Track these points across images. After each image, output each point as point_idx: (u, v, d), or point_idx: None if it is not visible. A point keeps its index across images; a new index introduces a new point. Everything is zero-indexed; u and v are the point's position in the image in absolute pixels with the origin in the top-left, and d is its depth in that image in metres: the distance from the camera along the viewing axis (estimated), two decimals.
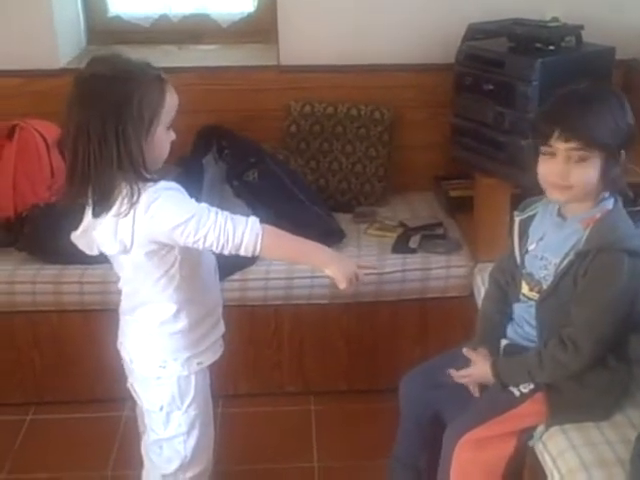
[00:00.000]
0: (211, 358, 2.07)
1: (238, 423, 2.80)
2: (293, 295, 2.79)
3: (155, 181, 1.82)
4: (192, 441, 2.07)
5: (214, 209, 1.85)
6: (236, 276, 2.72)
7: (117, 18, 3.50)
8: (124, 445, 2.66)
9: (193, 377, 2.02)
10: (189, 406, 2.03)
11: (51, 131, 2.98)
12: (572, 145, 1.91)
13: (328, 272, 1.96)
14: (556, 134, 1.92)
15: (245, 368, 2.90)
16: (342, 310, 2.83)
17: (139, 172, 1.78)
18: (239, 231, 1.82)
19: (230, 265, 2.65)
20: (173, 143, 1.89)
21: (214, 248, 1.84)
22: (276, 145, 3.21)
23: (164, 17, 3.49)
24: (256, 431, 2.80)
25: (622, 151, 1.93)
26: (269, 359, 2.90)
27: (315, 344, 2.89)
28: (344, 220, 3.06)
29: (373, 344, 2.91)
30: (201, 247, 1.83)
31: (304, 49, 3.21)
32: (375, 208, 3.17)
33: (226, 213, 1.85)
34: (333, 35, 3.20)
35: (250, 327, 2.84)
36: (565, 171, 1.93)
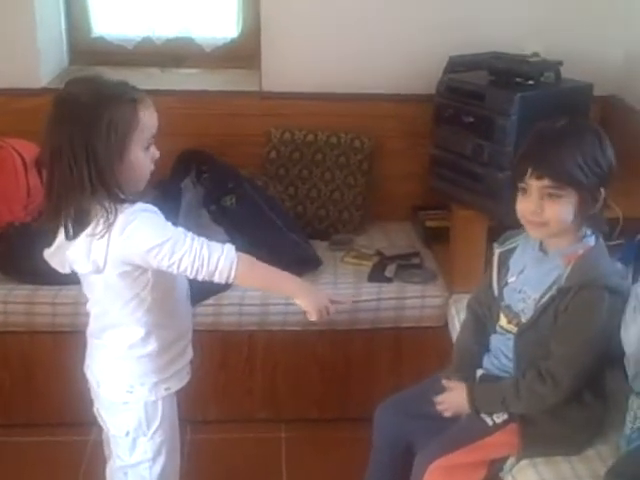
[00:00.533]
0: (178, 384, 2.05)
1: (207, 450, 2.77)
2: (267, 321, 2.78)
3: (132, 202, 1.81)
4: (158, 467, 2.05)
5: (190, 234, 1.84)
6: (210, 301, 2.70)
7: (100, 39, 3.49)
8: (90, 470, 2.62)
9: (160, 402, 2.00)
10: (155, 432, 2.01)
11: (30, 150, 2.97)
12: (545, 183, 1.92)
13: (299, 303, 1.97)
14: (529, 171, 1.93)
15: (215, 394, 2.87)
16: (316, 337, 2.82)
17: (113, 193, 1.77)
18: (214, 257, 1.82)
19: (204, 290, 2.64)
20: (155, 163, 1.89)
21: (188, 273, 1.83)
22: (255, 171, 3.21)
23: (147, 39, 3.49)
24: (225, 458, 2.77)
25: (602, 189, 1.94)
26: (240, 385, 2.88)
27: (288, 371, 2.87)
28: (321, 247, 3.06)
29: (346, 372, 2.89)
30: (175, 271, 1.82)
31: (286, 76, 3.22)
32: (352, 236, 3.17)
33: (202, 239, 1.85)
34: (315, 63, 3.21)
35: (223, 352, 2.82)
36: (539, 208, 1.94)
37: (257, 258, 2.82)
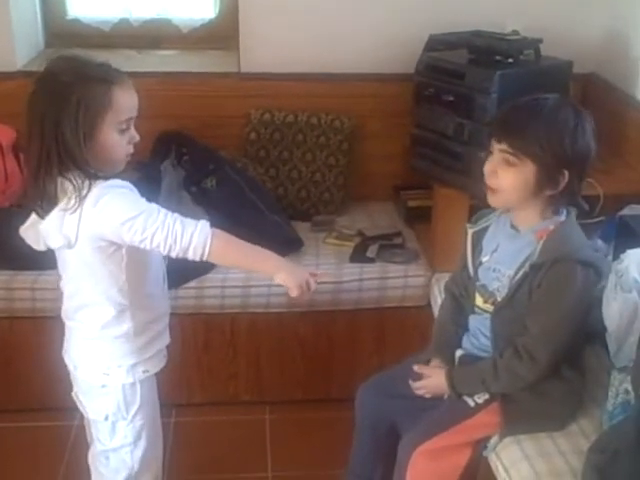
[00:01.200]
0: (156, 366, 2.04)
1: (191, 432, 2.77)
2: (250, 303, 2.77)
3: (106, 178, 1.80)
4: (139, 451, 2.04)
5: (164, 210, 1.82)
6: (192, 284, 2.69)
7: (76, 21, 3.46)
8: (74, 455, 2.61)
9: (139, 385, 1.99)
10: (135, 416, 2.00)
11: (6, 134, 2.94)
12: (503, 146, 1.93)
13: (279, 280, 1.93)
14: (494, 133, 1.96)
15: (199, 377, 2.87)
16: (299, 319, 2.82)
17: (85, 170, 1.76)
18: (187, 233, 1.79)
19: (186, 273, 2.63)
20: (135, 146, 1.87)
21: (161, 249, 1.80)
22: (235, 152, 3.19)
23: (124, 21, 3.46)
24: (210, 441, 2.77)
25: (565, 172, 1.91)
26: (224, 368, 2.87)
27: (271, 353, 2.87)
28: (302, 229, 3.05)
29: (330, 353, 2.90)
30: (148, 247, 1.79)
31: (265, 57, 3.20)
32: (334, 217, 3.17)
33: (176, 215, 1.82)
34: (294, 43, 3.19)
35: (206, 335, 2.81)
36: (493, 171, 1.95)
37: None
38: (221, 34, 3.47)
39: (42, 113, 1.75)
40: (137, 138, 1.86)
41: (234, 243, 1.90)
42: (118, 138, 1.82)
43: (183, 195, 2.93)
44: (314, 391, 2.94)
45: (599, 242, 2.47)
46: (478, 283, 2.12)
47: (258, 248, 1.94)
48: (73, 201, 1.76)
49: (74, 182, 1.76)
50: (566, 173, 1.91)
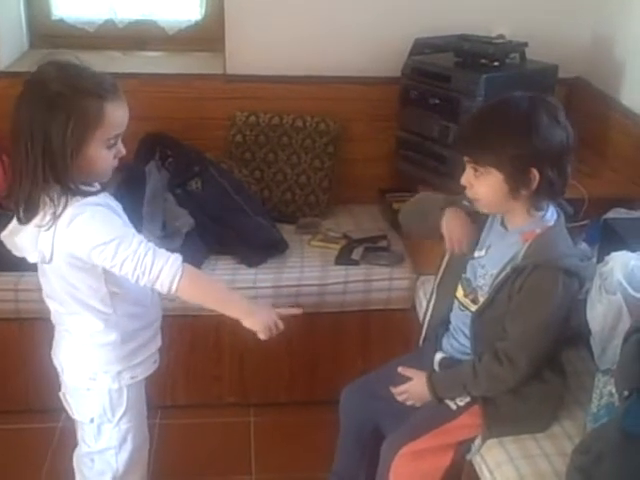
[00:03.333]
0: (145, 372, 2.02)
1: (176, 434, 2.76)
2: None
3: (84, 195, 1.76)
4: (124, 455, 2.03)
5: (139, 237, 1.79)
6: None
7: (61, 22, 3.44)
8: (57, 457, 2.60)
9: (125, 390, 1.97)
10: (120, 419, 1.99)
11: None
12: (467, 159, 1.94)
13: (247, 324, 1.91)
14: (457, 147, 1.99)
15: (184, 378, 2.86)
16: (284, 321, 2.80)
17: (66, 185, 1.73)
18: (157, 266, 1.76)
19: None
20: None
21: (129, 277, 1.77)
22: (220, 155, 3.18)
23: (109, 22, 3.45)
24: (194, 443, 2.76)
25: (533, 170, 1.87)
26: (209, 370, 2.87)
27: (256, 355, 2.85)
28: (288, 231, 3.04)
29: (314, 355, 2.89)
30: (117, 273, 1.77)
31: (250, 59, 3.20)
32: (319, 219, 3.16)
33: (150, 245, 1.79)
34: (280, 46, 3.19)
35: (191, 337, 2.80)
36: (467, 183, 1.96)
37: (224, 242, 2.85)
38: (207, 36, 3.46)
39: (30, 120, 1.70)
40: (123, 152, 1.83)
41: (203, 282, 1.89)
42: (105, 153, 1.78)
43: (168, 197, 2.92)
44: (298, 393, 2.93)
45: (584, 245, 2.48)
46: (464, 275, 2.11)
47: (227, 290, 1.93)
48: (48, 218, 1.74)
49: (51, 198, 1.73)
50: (534, 171, 1.87)
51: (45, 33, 3.46)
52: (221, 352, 2.85)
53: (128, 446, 2.03)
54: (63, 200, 1.73)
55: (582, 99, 3.18)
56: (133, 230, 1.82)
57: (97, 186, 1.83)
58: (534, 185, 1.89)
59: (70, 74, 1.74)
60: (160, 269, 1.76)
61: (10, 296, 2.66)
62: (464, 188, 1.98)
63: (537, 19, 3.10)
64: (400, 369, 2.15)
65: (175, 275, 1.77)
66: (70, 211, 1.74)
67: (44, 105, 1.70)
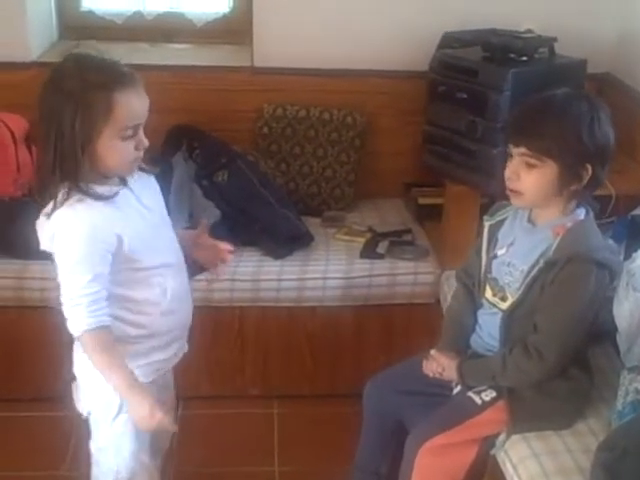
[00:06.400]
0: (141, 377, 1.89)
1: (199, 425, 2.77)
2: (259, 297, 2.77)
3: (94, 198, 1.75)
4: (122, 458, 1.96)
5: (93, 284, 1.76)
6: (202, 276, 2.68)
7: (90, 13, 3.46)
8: (81, 444, 2.61)
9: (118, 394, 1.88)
10: (114, 420, 1.91)
11: (19, 125, 2.95)
12: (522, 150, 1.92)
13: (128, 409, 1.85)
14: (511, 137, 1.95)
15: (208, 370, 2.87)
16: (308, 313, 2.82)
17: (74, 183, 1.74)
18: (74, 312, 1.76)
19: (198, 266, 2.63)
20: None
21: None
22: (247, 147, 3.19)
23: (138, 14, 3.46)
24: (217, 434, 2.77)
25: (588, 165, 1.90)
26: (232, 361, 2.88)
27: (279, 347, 2.87)
28: (313, 224, 3.04)
29: (338, 349, 2.90)
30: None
31: (278, 51, 3.20)
32: (344, 213, 3.16)
33: (94, 295, 1.76)
34: (308, 39, 3.18)
35: (214, 328, 2.81)
36: (514, 175, 1.95)
37: (249, 234, 2.86)
38: (235, 28, 3.47)
39: (46, 114, 1.72)
40: (146, 143, 1.79)
41: (104, 356, 1.80)
42: (121, 145, 1.75)
43: (194, 189, 2.94)
44: (321, 386, 2.93)
45: (610, 242, 2.46)
46: (490, 276, 2.11)
47: (118, 369, 1.80)
48: (51, 206, 1.76)
49: (57, 189, 1.74)
50: (589, 166, 1.90)
51: (74, 24, 3.48)
52: (244, 343, 2.86)
53: (124, 452, 1.96)
54: (63, 193, 1.74)
55: (611, 95, 3.14)
56: (92, 273, 1.76)
57: (115, 182, 1.82)
58: (585, 180, 1.91)
59: (83, 67, 1.73)
60: (74, 316, 1.76)
61: (36, 284, 2.67)
62: (506, 181, 1.97)
63: (566, 14, 3.08)
64: (433, 352, 2.15)
65: (80, 330, 1.76)
66: (60, 215, 1.74)
67: (57, 100, 1.70)
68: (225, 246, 2.09)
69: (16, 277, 2.69)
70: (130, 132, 1.75)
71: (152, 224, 1.89)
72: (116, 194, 1.80)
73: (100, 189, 1.77)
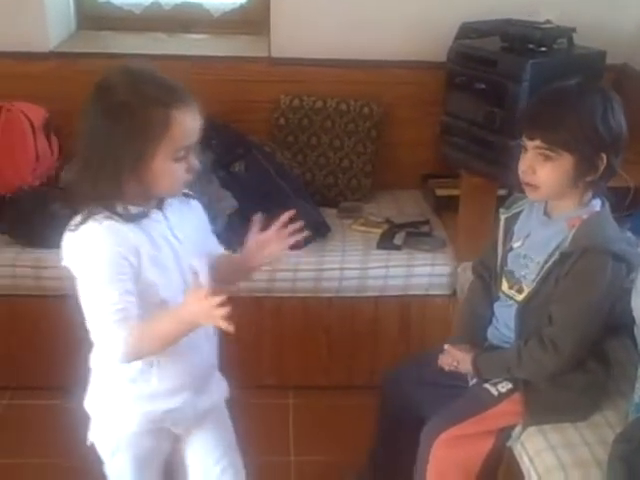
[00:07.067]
0: (137, 426, 1.81)
1: None
2: (275, 287, 2.78)
3: (126, 220, 1.62)
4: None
5: (119, 315, 1.59)
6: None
7: (108, 3, 3.46)
8: None
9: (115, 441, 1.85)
10: (113, 457, 1.87)
11: (38, 114, 2.96)
12: (537, 143, 1.91)
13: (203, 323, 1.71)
14: (526, 131, 1.94)
15: (224, 359, 2.87)
16: (324, 304, 2.82)
17: (111, 204, 1.62)
18: (108, 338, 1.63)
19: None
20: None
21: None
22: (264, 137, 3.20)
23: (155, 4, 3.46)
24: (232, 423, 2.77)
25: (603, 155, 1.90)
26: (248, 351, 2.88)
27: (295, 338, 2.88)
28: (329, 215, 3.05)
29: (353, 339, 2.90)
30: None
31: (295, 42, 3.20)
32: (361, 204, 3.17)
33: (124, 312, 1.60)
34: (325, 29, 3.18)
35: (230, 318, 2.81)
36: (530, 168, 1.94)
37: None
38: (252, 19, 3.47)
39: (94, 128, 1.59)
40: (197, 166, 1.67)
41: (144, 341, 1.65)
42: (174, 167, 1.63)
43: (212, 179, 2.94)
44: (337, 377, 2.94)
45: (629, 234, 2.45)
46: (506, 268, 2.11)
47: (162, 325, 1.66)
48: (77, 220, 1.63)
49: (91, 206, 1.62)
50: (604, 156, 1.90)
51: (92, 15, 3.50)
52: (261, 333, 2.86)
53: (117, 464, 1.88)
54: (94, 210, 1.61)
55: (629, 86, 3.12)
56: (117, 297, 1.61)
57: (152, 204, 1.69)
58: (601, 170, 1.91)
59: (137, 81, 1.60)
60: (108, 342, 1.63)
61: (56, 273, 2.66)
62: (521, 174, 1.97)
63: (585, 4, 3.07)
64: (446, 346, 2.15)
65: (119, 352, 1.64)
66: (81, 235, 1.61)
67: (108, 113, 1.58)
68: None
69: (34, 266, 2.71)
70: (183, 153, 1.63)
71: (175, 255, 1.73)
72: (145, 215, 1.66)
73: (134, 209, 1.65)
